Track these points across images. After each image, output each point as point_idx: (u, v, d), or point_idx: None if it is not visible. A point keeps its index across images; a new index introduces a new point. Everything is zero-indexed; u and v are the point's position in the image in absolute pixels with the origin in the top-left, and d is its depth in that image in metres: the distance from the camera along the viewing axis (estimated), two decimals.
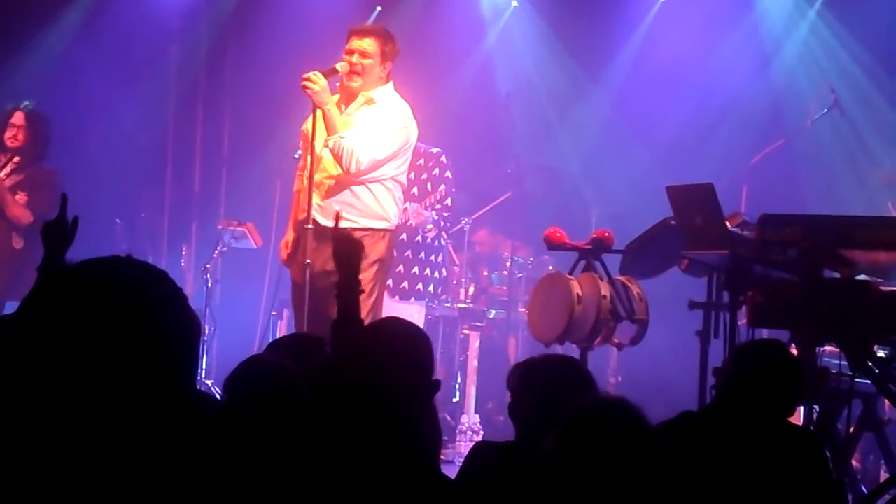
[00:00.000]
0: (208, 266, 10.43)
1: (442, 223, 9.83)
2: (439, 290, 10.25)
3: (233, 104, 12.26)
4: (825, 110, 10.33)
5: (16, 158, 9.15)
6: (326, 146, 7.35)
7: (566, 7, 12.06)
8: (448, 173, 9.81)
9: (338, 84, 7.61)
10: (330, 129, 7.34)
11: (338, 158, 7.33)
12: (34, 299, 2.07)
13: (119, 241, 11.13)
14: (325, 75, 7.38)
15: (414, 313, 9.57)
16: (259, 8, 12.09)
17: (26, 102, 9.30)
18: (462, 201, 10.87)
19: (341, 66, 7.46)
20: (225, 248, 10.58)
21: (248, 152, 11.89)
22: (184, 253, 11.50)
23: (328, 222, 7.31)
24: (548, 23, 12.34)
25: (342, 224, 6.77)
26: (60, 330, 2.02)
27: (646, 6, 12.25)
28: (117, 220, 11.30)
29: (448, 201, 9.83)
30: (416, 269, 10.03)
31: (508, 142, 10.80)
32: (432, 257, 10.11)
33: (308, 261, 7.27)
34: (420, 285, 9.99)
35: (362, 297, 7.22)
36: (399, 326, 4.26)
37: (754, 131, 11.20)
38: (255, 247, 10.72)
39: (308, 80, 7.28)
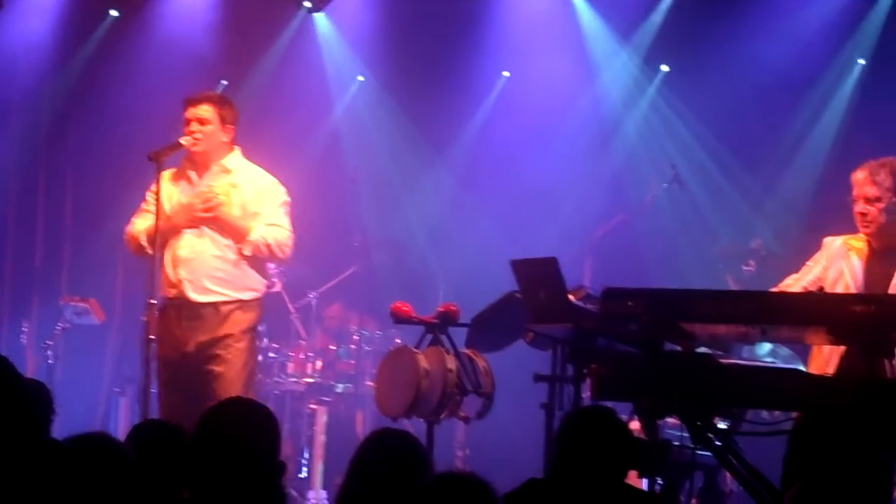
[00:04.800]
0: (49, 342, 10.24)
1: None
2: None
3: (75, 178, 12.10)
4: (665, 185, 10.53)
5: None
6: (243, 254, 7.37)
7: (412, 80, 12.15)
8: None
9: (183, 156, 7.62)
10: (237, 236, 7.43)
11: (266, 257, 7.41)
12: None
13: None
14: (170, 150, 7.38)
15: None
16: (102, 81, 11.98)
17: None
18: (308, 275, 10.85)
19: (185, 141, 7.46)
20: (67, 324, 10.40)
21: (90, 226, 11.73)
22: (24, 329, 11.27)
23: (198, 297, 7.35)
24: (394, 96, 12.41)
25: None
26: None
27: (490, 81, 12.40)
28: None
29: None
30: None
31: (355, 215, 10.80)
32: None
33: (180, 338, 7.41)
34: None
35: (238, 368, 7.30)
36: (242, 410, 4.12)
37: (597, 205, 11.37)
38: (97, 322, 10.55)
39: (213, 198, 7.34)
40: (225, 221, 7.43)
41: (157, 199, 7.32)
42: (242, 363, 7.38)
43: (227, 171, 7.56)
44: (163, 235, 7.35)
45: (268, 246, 7.42)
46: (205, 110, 7.51)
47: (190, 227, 7.45)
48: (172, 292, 7.42)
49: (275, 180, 7.64)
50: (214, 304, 7.40)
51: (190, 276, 7.40)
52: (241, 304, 7.46)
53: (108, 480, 3.74)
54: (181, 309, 7.41)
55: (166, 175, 7.62)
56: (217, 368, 7.33)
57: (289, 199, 7.63)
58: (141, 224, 7.58)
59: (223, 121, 7.54)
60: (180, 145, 7.47)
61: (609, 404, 6.06)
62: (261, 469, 3.83)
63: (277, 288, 7.72)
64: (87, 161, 11.98)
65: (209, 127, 7.49)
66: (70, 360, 11.05)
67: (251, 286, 7.51)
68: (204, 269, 7.41)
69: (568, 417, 5.05)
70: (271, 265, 8.78)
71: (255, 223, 7.45)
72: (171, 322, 7.42)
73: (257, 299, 7.57)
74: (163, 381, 7.46)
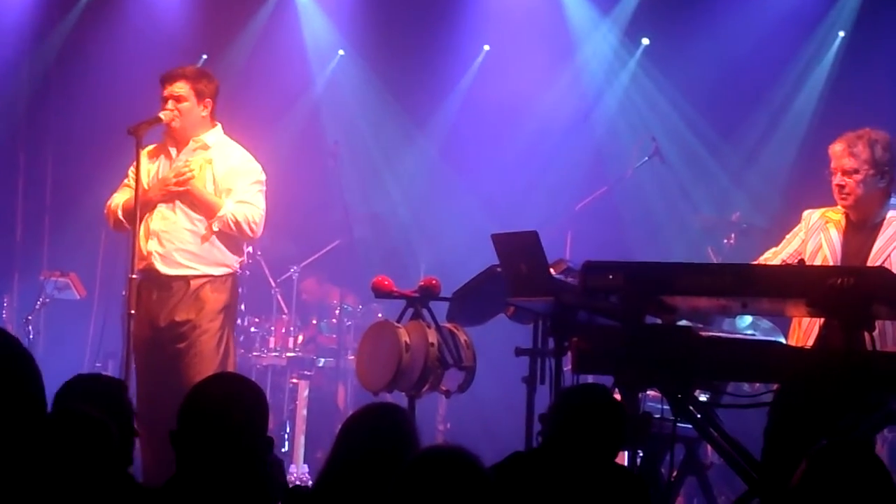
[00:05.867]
0: (30, 318, 10.24)
1: None
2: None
3: (55, 153, 12.07)
4: (646, 158, 10.51)
5: None
6: (212, 230, 7.39)
7: (393, 55, 12.14)
8: None
9: (164, 132, 7.63)
10: (207, 212, 7.43)
11: (234, 234, 7.43)
12: None
13: None
14: (149, 125, 7.37)
15: None
16: (81, 56, 11.95)
17: None
18: (290, 250, 10.85)
19: (164, 115, 7.47)
20: (48, 299, 10.40)
21: (70, 201, 11.71)
22: (5, 304, 11.25)
23: (167, 270, 7.37)
24: (375, 70, 12.41)
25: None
26: None
27: (471, 55, 12.39)
28: None
29: None
30: None
31: (337, 189, 10.79)
32: None
33: (152, 314, 7.41)
34: None
35: (211, 347, 7.29)
36: (231, 385, 4.09)
37: (578, 179, 11.38)
38: (78, 297, 10.55)
39: (185, 173, 7.35)
40: (196, 197, 7.43)
41: (137, 174, 7.30)
42: (215, 343, 7.36)
43: (205, 147, 7.56)
44: (140, 210, 7.34)
45: (236, 223, 7.40)
46: (180, 87, 7.51)
47: (164, 201, 7.45)
48: (143, 264, 7.41)
49: (250, 157, 7.62)
50: (185, 278, 7.40)
51: (160, 248, 7.41)
52: (213, 280, 7.44)
53: (92, 454, 3.74)
54: (152, 282, 7.42)
55: (147, 151, 7.62)
56: (189, 349, 7.33)
57: (263, 177, 7.60)
58: (119, 198, 7.58)
59: (199, 96, 7.53)
60: (160, 120, 7.47)
61: (589, 377, 6.10)
62: (249, 446, 3.82)
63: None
64: (67, 136, 11.95)
65: (185, 104, 7.50)
66: (51, 335, 11.04)
67: (223, 262, 7.50)
68: (175, 243, 7.41)
69: (564, 394, 5.06)
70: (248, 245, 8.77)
71: (226, 199, 7.45)
72: (143, 296, 7.41)
73: (230, 276, 7.55)
74: (138, 358, 7.43)
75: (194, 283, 7.40)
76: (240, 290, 8.44)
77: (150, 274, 7.41)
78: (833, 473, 3.71)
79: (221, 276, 7.49)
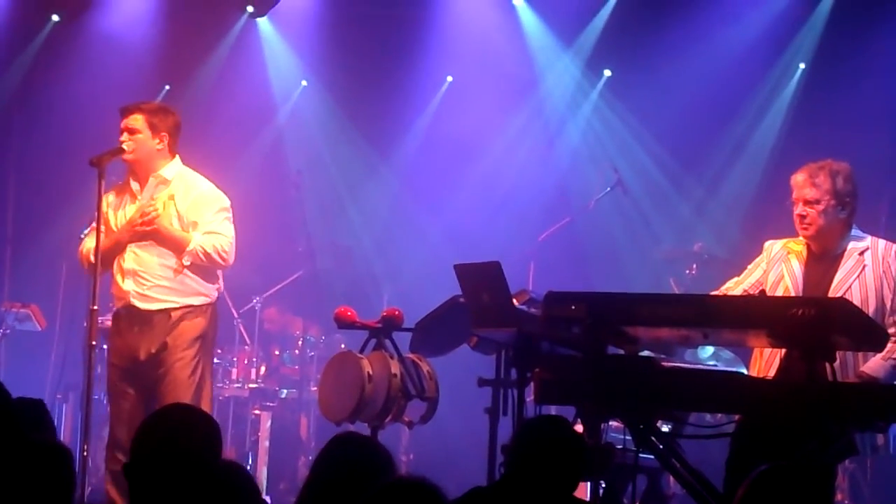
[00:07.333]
0: None
1: None
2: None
3: (17, 183, 12.01)
4: (609, 189, 10.55)
5: None
6: (184, 263, 7.37)
7: (356, 85, 12.16)
8: None
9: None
10: (177, 248, 7.40)
11: (206, 265, 7.41)
12: None
13: None
14: (111, 155, 7.34)
15: None
16: (44, 86, 11.91)
17: None
18: (252, 280, 10.82)
19: (126, 146, 7.44)
20: (8, 330, 10.35)
21: (32, 232, 11.65)
22: None
23: (147, 305, 7.37)
24: (338, 101, 12.42)
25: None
26: None
27: (434, 85, 12.41)
28: None
29: None
30: None
31: (300, 220, 10.78)
32: None
33: (133, 346, 7.38)
34: None
35: (185, 375, 7.27)
36: (181, 415, 4.07)
37: (541, 209, 11.40)
38: (39, 329, 10.49)
39: (150, 212, 7.32)
40: (163, 235, 7.40)
41: (98, 204, 7.27)
42: (189, 372, 7.34)
43: (165, 182, 7.51)
44: (110, 250, 7.34)
45: (206, 254, 7.38)
46: (134, 119, 7.47)
47: (133, 241, 7.42)
48: (121, 303, 7.43)
49: (212, 186, 7.59)
50: (165, 311, 7.39)
51: (137, 287, 7.40)
52: (193, 309, 7.44)
53: (48, 481, 3.73)
54: (132, 317, 7.41)
55: (114, 190, 7.61)
56: (165, 375, 7.32)
57: (228, 203, 7.57)
58: (90, 242, 7.54)
59: (154, 129, 7.47)
60: (122, 150, 7.44)
61: (552, 408, 6.10)
62: (201, 475, 3.80)
63: None
64: (29, 166, 11.91)
65: (139, 136, 7.46)
66: (11, 366, 10.96)
67: (200, 291, 7.48)
68: (151, 280, 7.39)
69: (523, 427, 5.05)
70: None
71: (194, 233, 7.42)
72: (122, 330, 7.43)
73: (209, 305, 7.53)
74: (113, 389, 7.44)
75: (175, 315, 7.40)
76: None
77: (131, 311, 7.41)
78: (771, 497, 3.73)
79: (201, 305, 7.49)
